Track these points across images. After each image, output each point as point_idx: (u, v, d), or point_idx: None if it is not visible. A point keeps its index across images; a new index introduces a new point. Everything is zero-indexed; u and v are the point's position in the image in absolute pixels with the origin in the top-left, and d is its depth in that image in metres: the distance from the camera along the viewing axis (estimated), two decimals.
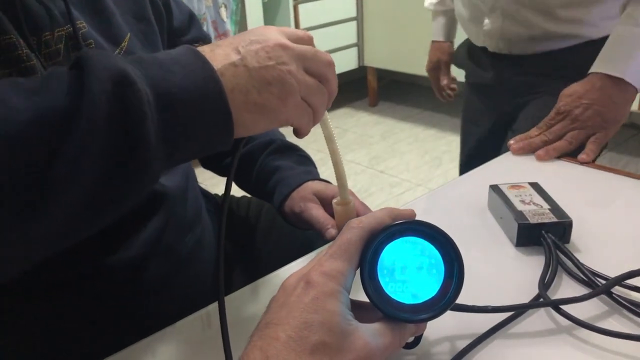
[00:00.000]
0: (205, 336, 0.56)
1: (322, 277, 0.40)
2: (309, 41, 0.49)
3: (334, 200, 0.60)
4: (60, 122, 0.36)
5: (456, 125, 3.11)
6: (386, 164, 2.73)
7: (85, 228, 0.41)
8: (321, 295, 0.39)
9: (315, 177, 0.72)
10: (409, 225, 0.43)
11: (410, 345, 0.47)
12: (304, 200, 0.67)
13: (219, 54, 0.44)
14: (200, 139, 0.42)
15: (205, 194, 0.84)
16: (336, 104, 3.58)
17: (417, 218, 0.45)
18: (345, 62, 3.33)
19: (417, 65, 3.10)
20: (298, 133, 0.50)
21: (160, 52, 0.43)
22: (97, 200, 0.39)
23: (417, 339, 0.47)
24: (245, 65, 0.43)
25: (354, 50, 3.37)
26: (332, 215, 0.63)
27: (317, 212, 0.64)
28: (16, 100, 0.36)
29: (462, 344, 0.50)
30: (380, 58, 3.32)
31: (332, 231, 0.61)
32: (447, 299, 0.43)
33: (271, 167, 0.75)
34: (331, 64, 0.49)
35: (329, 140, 0.56)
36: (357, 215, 0.60)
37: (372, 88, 3.50)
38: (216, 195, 0.91)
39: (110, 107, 0.37)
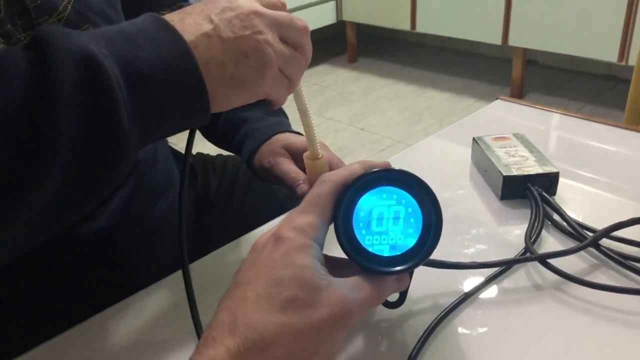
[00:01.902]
0: (175, 302, 0.53)
1: (292, 232, 0.37)
2: (282, 7, 0.45)
3: (305, 154, 0.57)
4: (21, 115, 0.33)
5: (436, 80, 3.09)
6: (367, 121, 2.69)
7: (61, 222, 0.38)
8: (291, 251, 0.36)
9: (287, 128, 0.68)
10: (382, 174, 0.41)
11: (394, 305, 0.45)
12: (273, 154, 0.63)
13: (189, 24, 0.40)
14: (175, 118, 0.40)
15: (177, 155, 0.80)
16: (315, 61, 3.50)
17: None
18: (323, 17, 3.24)
19: (397, 19, 3.05)
20: (273, 105, 0.47)
21: (124, 23, 0.40)
22: (71, 194, 0.36)
23: (402, 298, 0.45)
24: (219, 35, 0.40)
25: (332, 4, 3.28)
26: (304, 169, 0.59)
27: (287, 167, 0.60)
28: None
29: (447, 302, 0.48)
30: (360, 12, 3.24)
31: (303, 186, 0.57)
32: (425, 248, 0.41)
33: (239, 117, 0.71)
34: (307, 31, 0.46)
35: (303, 114, 0.52)
36: (331, 169, 0.57)
37: (351, 43, 3.43)
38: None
39: (77, 94, 0.34)
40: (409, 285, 0.44)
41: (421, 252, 0.41)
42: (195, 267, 0.56)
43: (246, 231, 0.63)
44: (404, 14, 2.99)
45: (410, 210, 0.41)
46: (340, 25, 3.41)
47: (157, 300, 0.53)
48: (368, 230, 0.41)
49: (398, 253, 0.41)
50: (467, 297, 0.49)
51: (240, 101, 0.43)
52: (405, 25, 3.01)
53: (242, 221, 0.79)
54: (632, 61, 2.28)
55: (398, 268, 0.40)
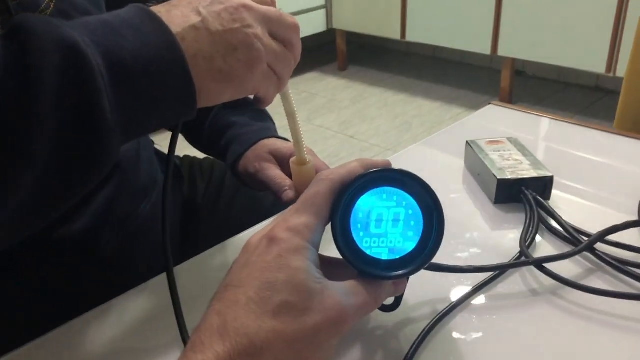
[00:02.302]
0: (160, 305, 0.51)
1: (287, 233, 0.36)
2: (272, 3, 0.44)
3: (292, 159, 0.55)
4: (1, 103, 0.31)
5: (426, 89, 3.09)
6: (356, 129, 2.69)
7: (41, 218, 0.37)
8: (285, 253, 0.35)
9: (273, 134, 0.67)
10: (383, 174, 0.39)
11: (390, 308, 0.44)
12: (259, 159, 0.61)
13: (176, 16, 0.39)
14: (160, 111, 0.38)
15: (162, 156, 0.78)
16: (305, 68, 3.51)
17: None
18: (313, 25, 3.24)
19: (387, 28, 3.06)
20: (261, 102, 0.46)
21: (108, 14, 0.38)
22: (52, 188, 0.35)
23: (398, 301, 0.43)
24: (208, 28, 0.39)
25: (322, 12, 3.28)
26: (290, 176, 0.58)
27: (273, 173, 0.59)
28: None
29: (442, 306, 0.47)
30: (350, 21, 3.25)
31: (289, 193, 0.56)
32: (426, 252, 0.39)
33: (225, 122, 0.69)
34: (297, 28, 0.45)
35: (290, 116, 0.50)
36: None
37: (341, 52, 3.43)
38: (176, 156, 0.85)
39: (59, 84, 0.33)
40: (405, 289, 0.43)
41: (421, 257, 0.39)
42: (180, 270, 0.55)
43: (233, 236, 0.61)
44: (394, 23, 3.00)
45: (410, 212, 0.39)
46: (330, 34, 3.41)
47: (141, 303, 0.51)
48: (366, 232, 0.39)
49: (397, 257, 0.39)
50: (461, 302, 0.48)
51: (228, 96, 0.42)
52: (395, 34, 3.02)
53: (229, 225, 0.77)
54: (619, 73, 2.30)
55: (396, 273, 0.39)
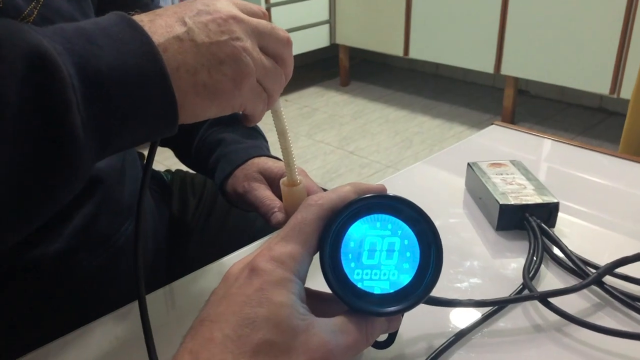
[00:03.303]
0: (135, 335, 0.48)
1: (270, 264, 0.33)
2: (263, 16, 0.42)
3: (282, 180, 0.52)
4: None
5: (427, 106, 3.08)
6: (356, 145, 2.67)
7: (4, 237, 0.34)
8: (267, 285, 0.32)
9: (264, 152, 0.64)
10: (377, 200, 0.36)
11: (383, 345, 0.40)
12: (248, 179, 0.58)
13: (160, 25, 0.37)
14: (137, 127, 0.36)
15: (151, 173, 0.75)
16: (306, 83, 3.50)
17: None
18: (316, 40, 3.23)
19: (390, 45, 3.05)
20: (249, 120, 0.43)
21: (86, 21, 0.36)
22: (15, 210, 0.32)
23: (391, 337, 0.40)
24: (193, 39, 0.37)
25: (326, 27, 3.27)
26: (280, 196, 0.55)
27: (262, 193, 0.56)
28: None
29: (439, 342, 0.44)
30: (353, 36, 3.24)
31: (278, 215, 0.53)
32: (422, 287, 0.36)
33: (214, 139, 0.66)
34: (289, 43, 0.42)
35: (282, 135, 0.48)
36: None
37: (343, 67, 3.42)
38: (168, 171, 0.83)
39: (23, 95, 0.30)
40: (399, 325, 0.39)
41: (417, 292, 0.36)
42: (160, 295, 0.51)
43: (223, 255, 0.58)
44: (397, 40, 2.99)
45: (406, 242, 0.36)
46: (333, 49, 3.40)
47: (115, 330, 0.48)
48: (358, 263, 0.36)
49: (391, 291, 0.36)
50: (459, 337, 0.45)
51: (212, 112, 0.39)
52: (398, 51, 3.01)
53: (220, 244, 0.74)
54: (623, 94, 2.28)
55: (390, 309, 0.36)
